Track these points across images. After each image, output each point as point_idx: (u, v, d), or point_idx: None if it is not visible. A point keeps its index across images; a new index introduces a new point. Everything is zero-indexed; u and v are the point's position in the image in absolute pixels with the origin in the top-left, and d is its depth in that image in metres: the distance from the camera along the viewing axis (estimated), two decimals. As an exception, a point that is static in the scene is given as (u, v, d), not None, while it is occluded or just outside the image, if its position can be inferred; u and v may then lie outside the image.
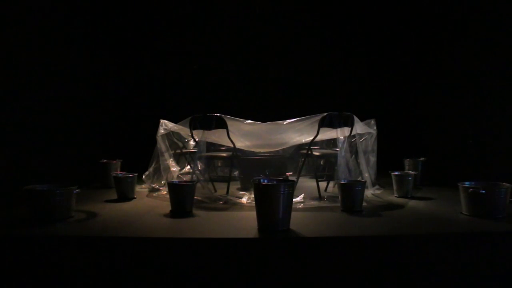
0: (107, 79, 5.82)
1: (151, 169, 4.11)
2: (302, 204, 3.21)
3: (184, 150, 4.41)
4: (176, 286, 2.20)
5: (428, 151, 4.70)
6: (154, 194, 3.84)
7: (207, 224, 2.65)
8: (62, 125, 4.47)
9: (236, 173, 4.44)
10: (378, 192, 3.75)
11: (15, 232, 2.39)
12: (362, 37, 6.21)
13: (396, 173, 3.69)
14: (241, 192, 3.62)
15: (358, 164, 3.70)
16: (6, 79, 3.59)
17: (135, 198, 3.62)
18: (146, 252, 2.24)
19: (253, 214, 2.55)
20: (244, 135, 3.80)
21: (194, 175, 3.79)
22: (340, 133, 3.61)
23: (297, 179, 3.75)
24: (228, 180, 3.83)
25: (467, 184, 2.89)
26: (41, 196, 2.67)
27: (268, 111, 5.32)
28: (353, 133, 3.66)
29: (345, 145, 3.61)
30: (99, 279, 2.21)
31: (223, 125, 3.65)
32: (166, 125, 4.05)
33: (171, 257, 2.23)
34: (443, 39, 4.94)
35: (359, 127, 3.72)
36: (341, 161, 3.52)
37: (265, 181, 2.65)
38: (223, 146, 4.36)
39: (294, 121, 3.65)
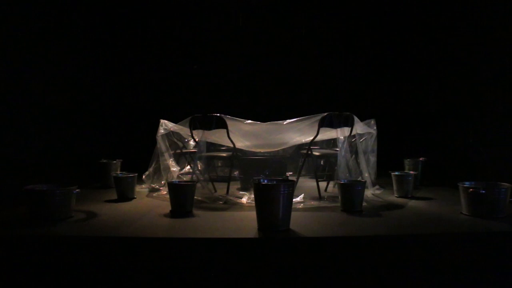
0: (107, 79, 5.82)
1: (151, 169, 4.11)
2: (302, 204, 3.21)
3: (184, 150, 4.41)
4: (176, 286, 2.20)
5: (428, 151, 4.70)
6: (154, 194, 3.84)
7: (207, 224, 2.65)
8: (62, 125, 4.48)
9: (236, 173, 4.44)
10: (378, 192, 3.75)
11: (15, 232, 2.39)
12: (362, 37, 6.20)
13: (396, 173, 3.69)
14: (241, 192, 3.62)
15: (358, 164, 3.70)
16: (5, 79, 3.59)
17: (135, 198, 3.61)
18: (146, 252, 2.24)
19: (253, 214, 2.55)
20: (244, 135, 3.80)
21: (194, 175, 3.79)
22: (340, 133, 3.61)
23: (297, 179, 3.75)
24: (228, 180, 3.83)
25: (467, 184, 2.89)
26: (41, 196, 2.67)
27: (268, 111, 5.33)
28: (353, 133, 3.65)
29: (345, 145, 3.61)
30: (99, 279, 2.21)
31: (223, 125, 3.65)
32: (166, 125, 4.05)
33: (171, 257, 2.23)
34: (443, 39, 4.93)
35: (359, 127, 3.72)
36: (341, 161, 3.52)
37: (265, 181, 2.65)
38: (223, 146, 4.36)
39: (294, 121, 3.65)
